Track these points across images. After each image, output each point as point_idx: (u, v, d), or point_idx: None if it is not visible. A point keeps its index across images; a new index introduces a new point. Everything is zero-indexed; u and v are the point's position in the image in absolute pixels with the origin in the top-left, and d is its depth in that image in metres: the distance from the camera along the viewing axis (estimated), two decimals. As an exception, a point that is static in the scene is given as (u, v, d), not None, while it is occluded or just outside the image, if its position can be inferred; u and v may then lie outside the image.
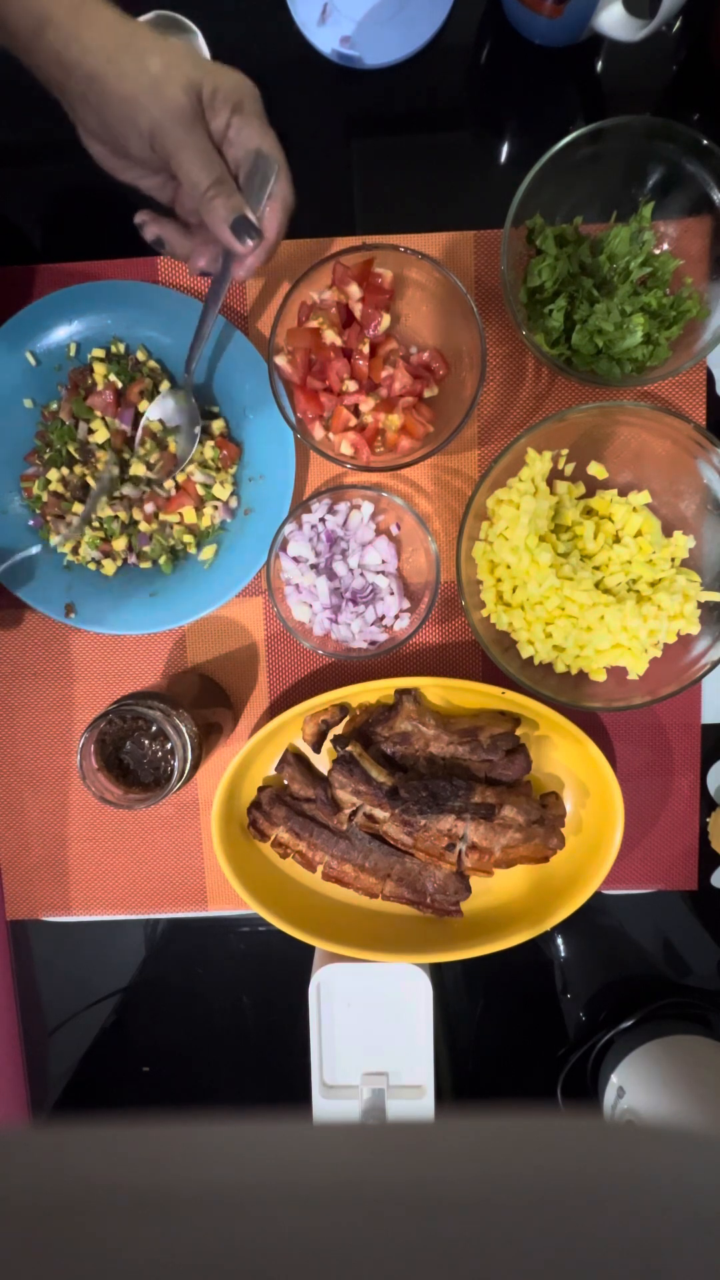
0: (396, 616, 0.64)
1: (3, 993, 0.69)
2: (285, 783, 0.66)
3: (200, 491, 0.63)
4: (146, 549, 0.64)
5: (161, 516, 0.63)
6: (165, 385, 0.64)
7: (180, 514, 0.63)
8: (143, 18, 0.59)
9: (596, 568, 0.61)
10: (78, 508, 0.63)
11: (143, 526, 0.64)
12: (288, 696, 0.68)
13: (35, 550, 0.65)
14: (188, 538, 0.64)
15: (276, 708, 0.68)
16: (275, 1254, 0.16)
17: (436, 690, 0.66)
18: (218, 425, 0.64)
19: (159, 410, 0.63)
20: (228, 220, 0.50)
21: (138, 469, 0.63)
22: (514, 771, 0.63)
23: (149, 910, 0.70)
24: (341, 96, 0.64)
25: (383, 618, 0.64)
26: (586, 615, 0.58)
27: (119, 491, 0.63)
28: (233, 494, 0.64)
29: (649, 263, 0.58)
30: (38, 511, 0.64)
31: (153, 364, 0.64)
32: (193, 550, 0.65)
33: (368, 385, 0.61)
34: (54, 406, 0.64)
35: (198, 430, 0.63)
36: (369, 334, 0.60)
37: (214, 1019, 0.72)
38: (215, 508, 0.64)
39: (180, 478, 0.63)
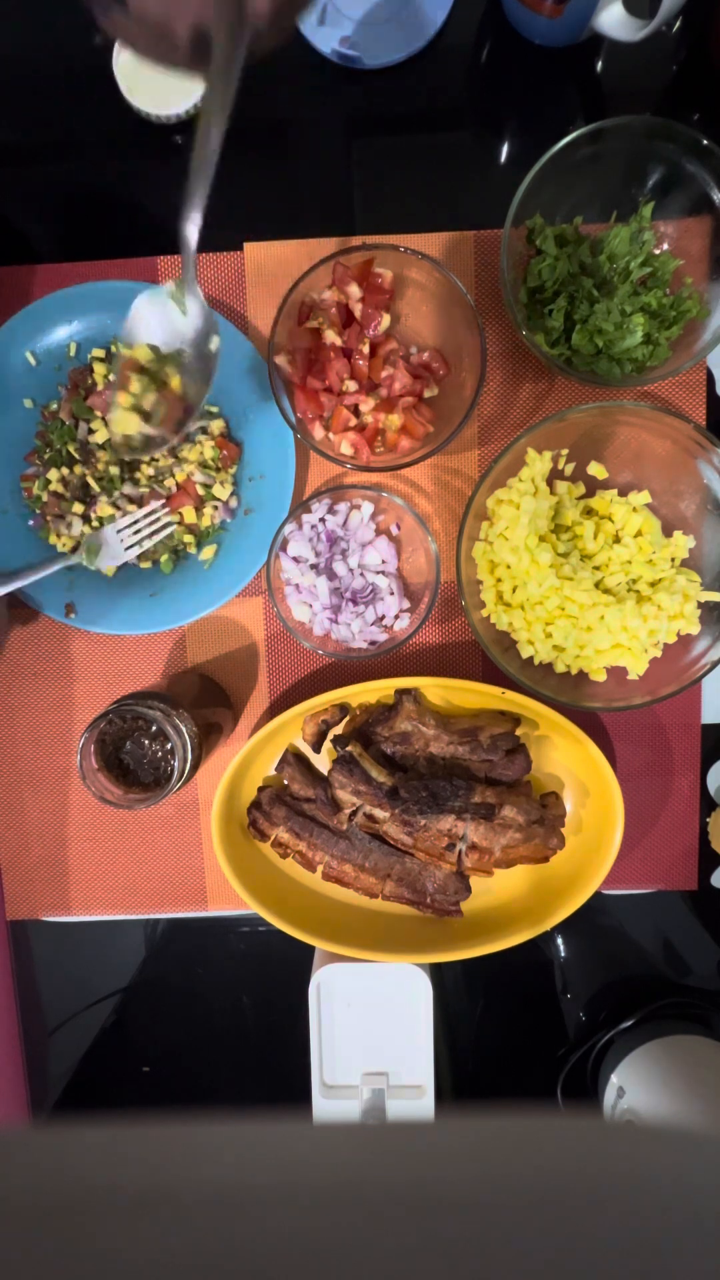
0: (396, 616, 0.64)
1: (3, 993, 0.69)
2: (285, 783, 0.66)
3: (200, 491, 0.63)
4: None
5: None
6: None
7: (180, 514, 0.63)
8: None
9: (596, 568, 0.61)
10: (78, 508, 0.63)
11: (143, 526, 0.64)
12: (288, 696, 0.68)
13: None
14: (188, 538, 0.64)
15: (276, 708, 0.68)
16: (275, 1254, 0.16)
17: (436, 690, 0.66)
18: (217, 425, 0.63)
19: (145, 328, 0.42)
20: None
21: (128, 424, 0.49)
22: (514, 771, 0.63)
23: (149, 910, 0.70)
24: (341, 96, 0.64)
25: (383, 618, 0.64)
26: (586, 615, 0.58)
27: (119, 491, 0.63)
28: (233, 494, 0.64)
29: (649, 263, 0.58)
30: (38, 511, 0.64)
31: (153, 364, 0.63)
32: (193, 550, 0.65)
33: (368, 385, 0.61)
34: (54, 406, 0.64)
35: (214, 348, 0.45)
36: (369, 334, 0.60)
37: (214, 1019, 0.72)
38: (215, 508, 0.64)
39: (180, 477, 0.63)
